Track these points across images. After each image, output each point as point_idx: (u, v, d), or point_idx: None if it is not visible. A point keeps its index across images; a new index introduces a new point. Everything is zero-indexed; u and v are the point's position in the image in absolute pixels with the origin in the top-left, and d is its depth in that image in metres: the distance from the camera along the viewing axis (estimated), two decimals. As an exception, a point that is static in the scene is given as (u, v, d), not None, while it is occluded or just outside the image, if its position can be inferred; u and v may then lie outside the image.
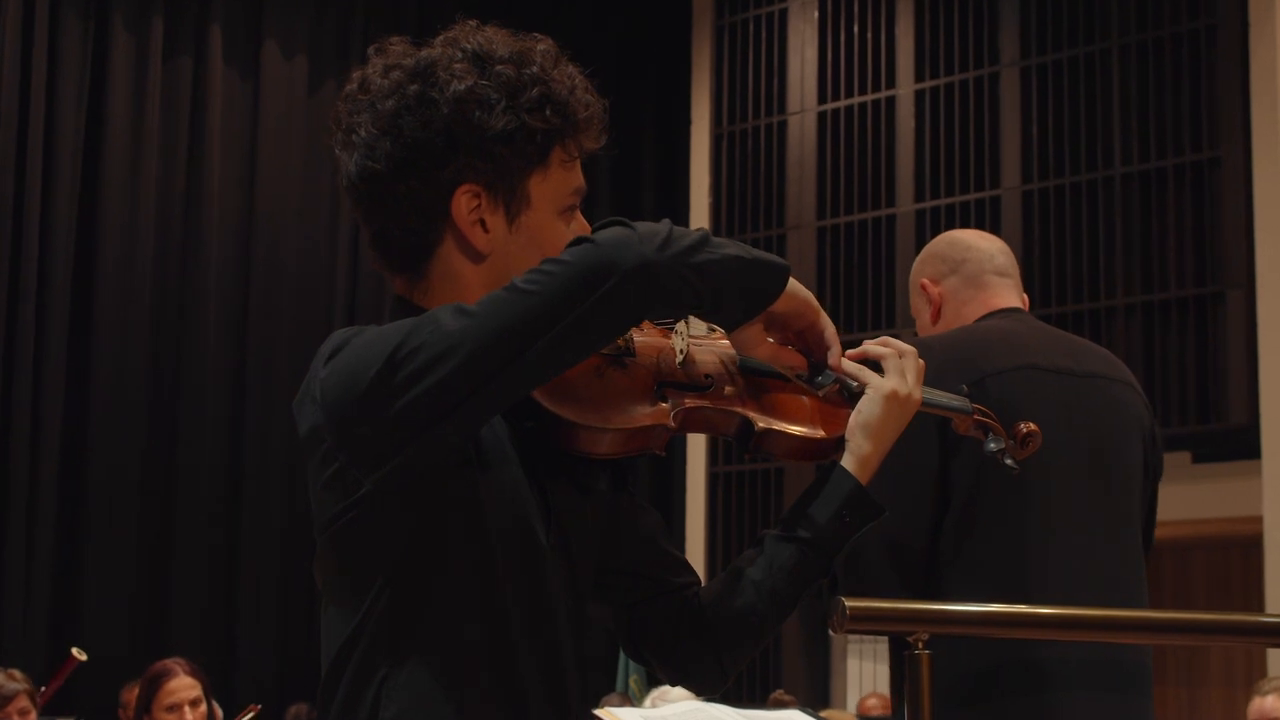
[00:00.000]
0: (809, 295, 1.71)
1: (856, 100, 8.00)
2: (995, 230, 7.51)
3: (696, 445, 8.19)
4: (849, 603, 1.89)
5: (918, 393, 1.82)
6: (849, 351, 1.85)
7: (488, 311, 1.52)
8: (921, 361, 1.85)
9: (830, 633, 2.00)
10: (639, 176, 8.76)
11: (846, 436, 1.81)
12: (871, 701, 7.06)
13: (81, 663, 5.16)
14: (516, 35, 1.74)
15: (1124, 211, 7.15)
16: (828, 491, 1.80)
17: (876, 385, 1.79)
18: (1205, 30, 7.06)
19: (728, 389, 1.78)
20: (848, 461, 1.80)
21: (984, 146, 7.58)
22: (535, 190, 1.70)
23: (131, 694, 5.33)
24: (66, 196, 6.79)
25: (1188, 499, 6.99)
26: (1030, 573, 2.42)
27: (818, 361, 1.76)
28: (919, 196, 7.74)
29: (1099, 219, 7.22)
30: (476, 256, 1.69)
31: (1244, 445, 6.85)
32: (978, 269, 2.74)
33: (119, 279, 6.91)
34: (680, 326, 1.79)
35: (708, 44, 8.59)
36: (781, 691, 6.76)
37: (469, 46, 1.69)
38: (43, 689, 5.25)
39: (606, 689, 6.59)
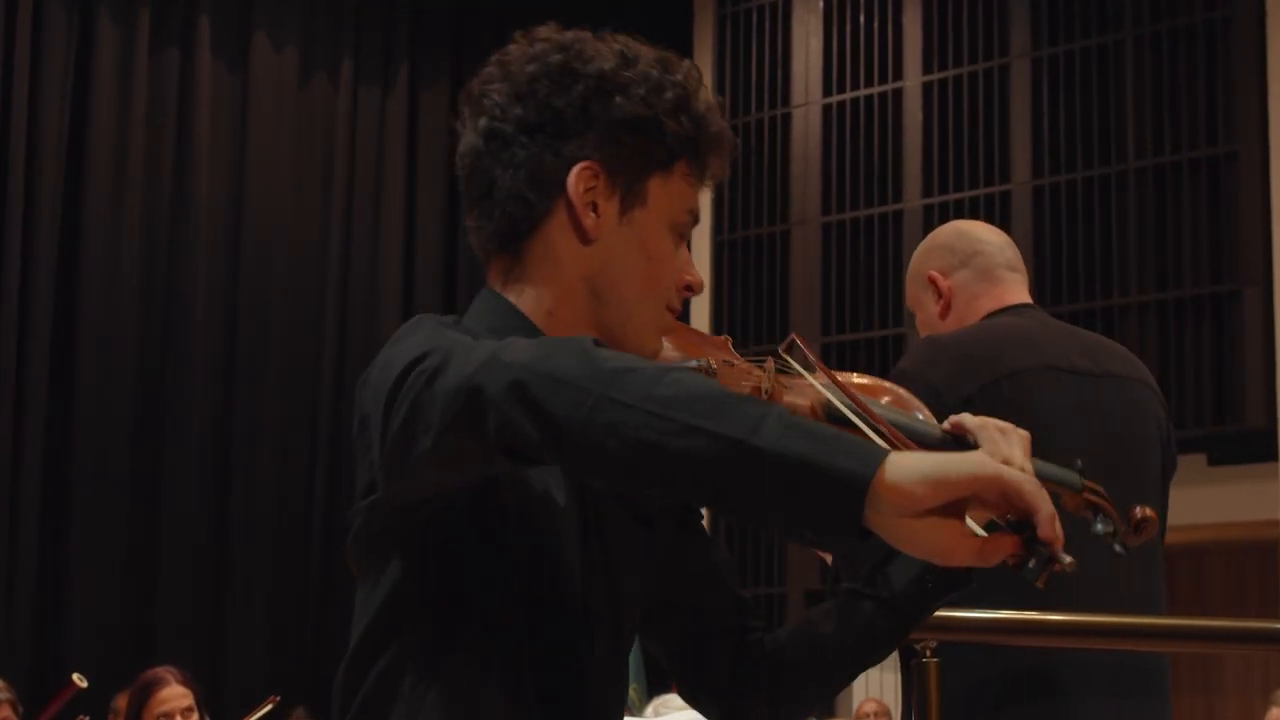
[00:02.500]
0: (974, 467, 1.29)
1: (863, 93, 8.01)
2: (1005, 226, 7.51)
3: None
4: None
5: (1028, 464, 1.58)
6: (950, 419, 1.69)
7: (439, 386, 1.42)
8: (1026, 434, 1.64)
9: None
10: (639, 171, 8.76)
11: None
12: (869, 706, 7.08)
13: (82, 689, 5.15)
14: (662, 50, 1.74)
15: (1138, 207, 7.16)
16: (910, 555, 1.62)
17: (992, 451, 1.58)
18: (1221, 21, 7.06)
19: None
20: None
21: (994, 140, 7.59)
22: (654, 191, 1.69)
23: (123, 700, 5.33)
24: (50, 191, 6.80)
25: (1203, 502, 6.98)
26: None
27: (1031, 540, 1.31)
28: (927, 192, 7.74)
29: (1112, 215, 7.22)
30: (583, 238, 1.66)
31: (1261, 447, 6.85)
32: (990, 262, 2.72)
33: (104, 276, 6.91)
34: (768, 363, 1.72)
35: (709, 34, 8.59)
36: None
37: (617, 43, 1.72)
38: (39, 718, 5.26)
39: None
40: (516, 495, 1.59)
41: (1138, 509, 1.88)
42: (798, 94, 8.22)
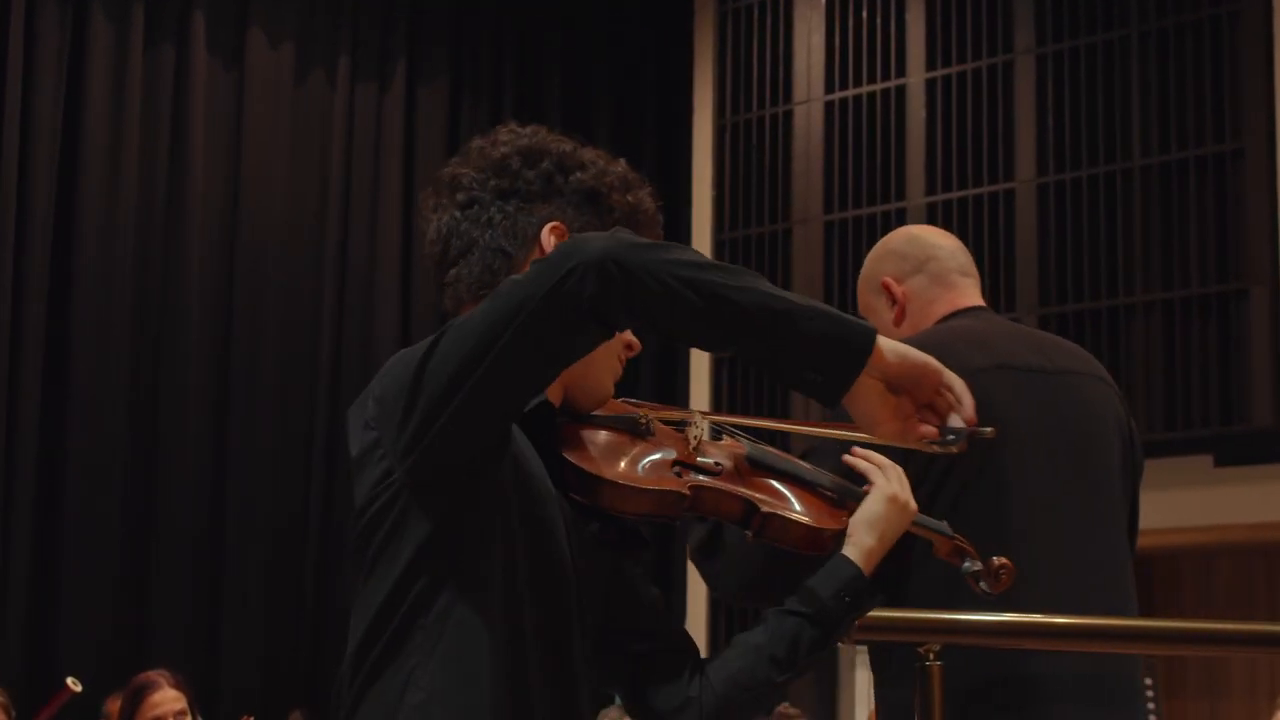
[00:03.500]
0: (926, 358, 1.74)
1: (865, 89, 8.01)
2: (1009, 225, 7.53)
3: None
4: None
5: (913, 502, 2.06)
6: (854, 450, 2.09)
7: (482, 309, 1.73)
8: (900, 470, 2.07)
9: (838, 643, 2.04)
10: (639, 169, 8.60)
11: (849, 531, 2.02)
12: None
13: (76, 694, 5.15)
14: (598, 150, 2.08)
15: (1143, 205, 7.16)
16: (829, 574, 2.01)
17: (881, 487, 2.04)
18: (1228, 16, 7.06)
19: (738, 476, 1.99)
20: (850, 551, 2.02)
21: (998, 138, 7.59)
22: None
23: (114, 704, 5.34)
24: (44, 189, 6.80)
25: (1209, 504, 6.99)
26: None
27: (947, 425, 1.76)
28: (930, 189, 7.74)
29: (1117, 213, 7.22)
30: None
31: (1268, 448, 6.85)
32: (943, 268, 2.77)
33: (98, 275, 6.91)
34: (696, 420, 2.02)
35: (710, 30, 8.59)
36: (788, 705, 6.77)
37: (566, 140, 2.04)
38: None
39: (603, 702, 6.60)
40: (519, 491, 1.81)
41: (995, 559, 2.08)
42: (799, 91, 8.22)
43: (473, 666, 1.75)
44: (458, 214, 1.97)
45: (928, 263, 2.76)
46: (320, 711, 6.88)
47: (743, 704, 1.99)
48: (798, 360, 1.70)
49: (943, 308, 2.73)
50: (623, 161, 2.07)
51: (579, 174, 1.98)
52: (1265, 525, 6.96)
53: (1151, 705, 5.49)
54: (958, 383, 1.74)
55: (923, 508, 2.14)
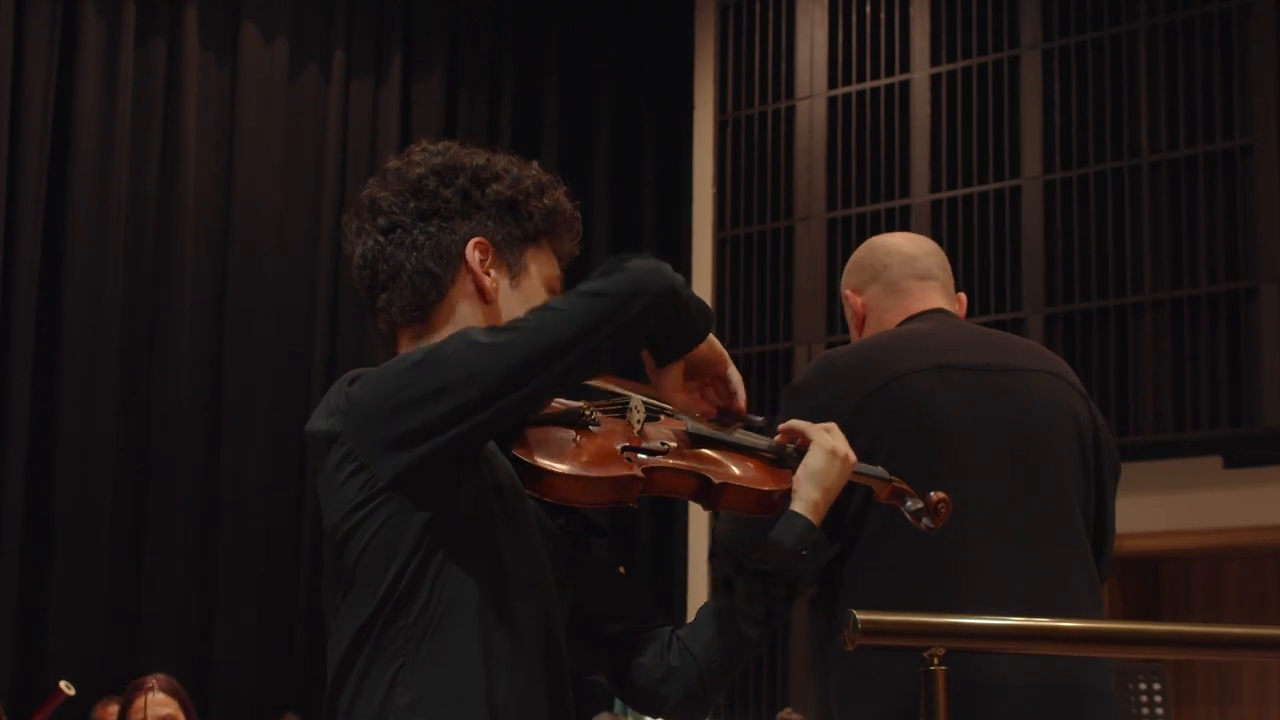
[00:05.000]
0: (721, 352, 2.04)
1: (869, 85, 8.01)
2: (1015, 222, 7.54)
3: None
4: (860, 616, 1.91)
5: (852, 454, 2.21)
6: (781, 427, 2.23)
7: (534, 327, 1.86)
8: (834, 427, 2.24)
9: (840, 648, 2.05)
10: (639, 166, 8.76)
11: (794, 487, 2.17)
12: None
13: (70, 697, 5.16)
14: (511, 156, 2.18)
15: (1151, 202, 7.16)
16: (784, 530, 2.14)
17: (820, 441, 2.18)
18: (1238, 10, 7.06)
19: (684, 453, 2.13)
20: (798, 506, 2.15)
21: (1004, 134, 7.59)
22: (531, 262, 2.10)
23: (107, 710, 5.35)
24: (34, 185, 6.79)
25: (1219, 506, 6.99)
26: (947, 576, 2.47)
27: (726, 408, 2.08)
28: (935, 186, 7.74)
29: (1125, 210, 7.22)
30: (485, 298, 2.04)
31: (1279, 449, 6.85)
32: (898, 275, 2.83)
33: (89, 272, 6.91)
34: (635, 404, 2.13)
35: (711, 25, 8.59)
36: (790, 710, 6.77)
37: (477, 152, 2.12)
38: None
39: (599, 707, 6.61)
40: (496, 493, 1.92)
41: (933, 494, 2.23)
42: (802, 86, 8.22)
43: (459, 664, 1.82)
44: (381, 239, 2.04)
45: (883, 271, 2.84)
46: (313, 716, 6.88)
47: (723, 666, 2.11)
48: (677, 337, 1.97)
49: (896, 315, 2.81)
50: (535, 164, 2.16)
51: (495, 186, 2.07)
52: (1276, 528, 6.96)
53: (1161, 712, 5.49)
54: (736, 377, 2.06)
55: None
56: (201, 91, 7.37)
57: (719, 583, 2.20)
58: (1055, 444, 2.64)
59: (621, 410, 2.14)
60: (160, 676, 4.85)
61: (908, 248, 2.86)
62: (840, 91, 8.08)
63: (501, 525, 1.89)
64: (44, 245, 6.82)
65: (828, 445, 2.18)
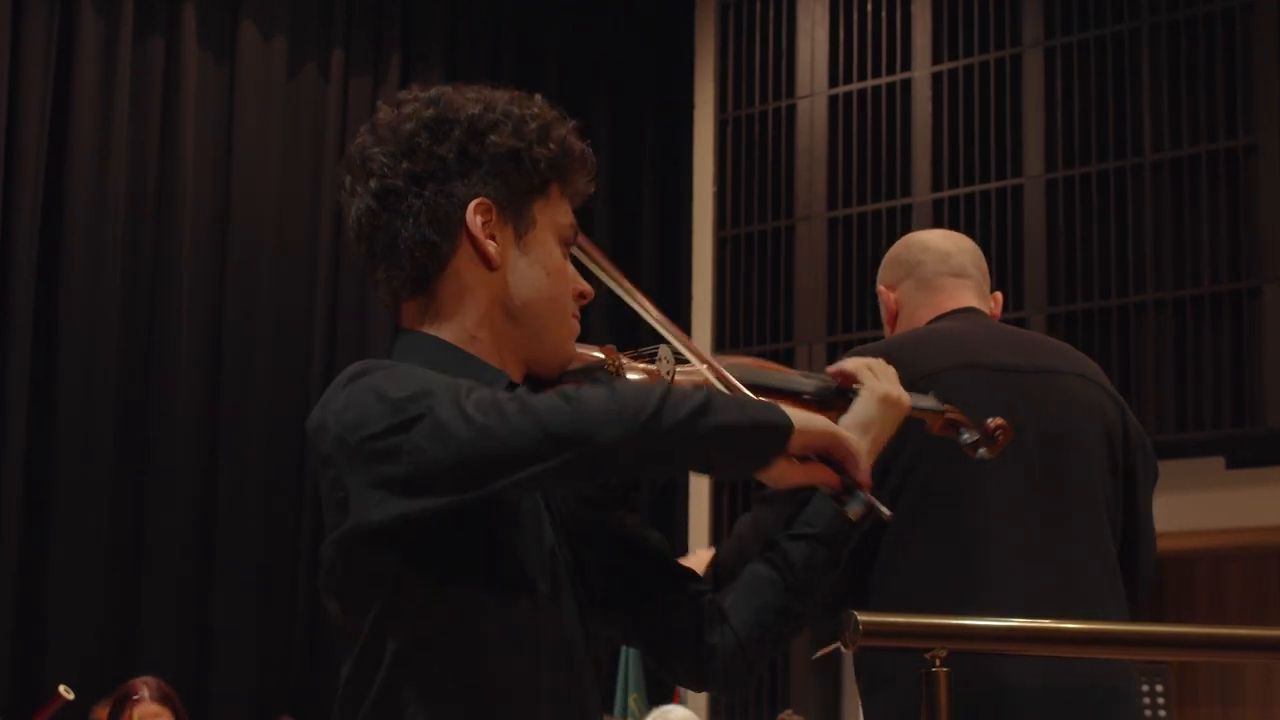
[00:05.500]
0: (824, 426, 1.84)
1: (870, 83, 8.01)
2: (1017, 221, 7.53)
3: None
4: (862, 617, 1.90)
5: (906, 396, 2.06)
6: (830, 369, 2.10)
7: (477, 433, 1.69)
8: (892, 369, 2.09)
9: (841, 649, 2.04)
10: (639, 165, 8.76)
11: None
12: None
13: (69, 701, 5.16)
14: (514, 92, 2.03)
15: (1154, 201, 7.16)
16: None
17: (871, 386, 2.03)
18: (1241, 9, 7.06)
19: None
20: None
21: (1005, 132, 7.59)
22: (539, 214, 1.95)
23: (101, 712, 5.34)
24: (31, 184, 6.79)
25: (1223, 506, 6.99)
26: (973, 574, 2.46)
27: (849, 482, 1.88)
28: (936, 185, 7.74)
29: (1127, 209, 7.22)
30: (489, 265, 1.91)
31: (1282, 450, 6.86)
32: (932, 272, 2.81)
33: (86, 272, 6.91)
34: (664, 353, 1.99)
35: (712, 23, 8.59)
36: (790, 712, 6.77)
37: (473, 92, 1.98)
38: None
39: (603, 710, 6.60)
40: (496, 514, 1.82)
41: (990, 421, 2.15)
42: (803, 85, 8.22)
43: (472, 673, 1.77)
44: (374, 204, 1.91)
45: (916, 268, 2.81)
46: (311, 718, 6.88)
47: (764, 639, 2.01)
48: (733, 463, 1.83)
49: (928, 312, 2.79)
50: (538, 100, 2.01)
51: (493, 137, 1.92)
52: (1279, 528, 6.96)
53: (1164, 714, 5.49)
54: (858, 453, 1.86)
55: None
56: (200, 90, 7.37)
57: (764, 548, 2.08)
58: (1084, 447, 2.63)
59: (651, 358, 2.00)
60: (150, 681, 4.84)
61: (943, 244, 2.85)
62: (841, 90, 8.08)
63: (498, 524, 1.81)
64: (41, 244, 6.82)
65: (879, 392, 2.03)
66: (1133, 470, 2.69)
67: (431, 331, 1.92)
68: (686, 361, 2.01)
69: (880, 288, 2.88)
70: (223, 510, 7.18)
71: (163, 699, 4.79)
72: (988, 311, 2.83)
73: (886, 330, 2.89)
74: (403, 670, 1.76)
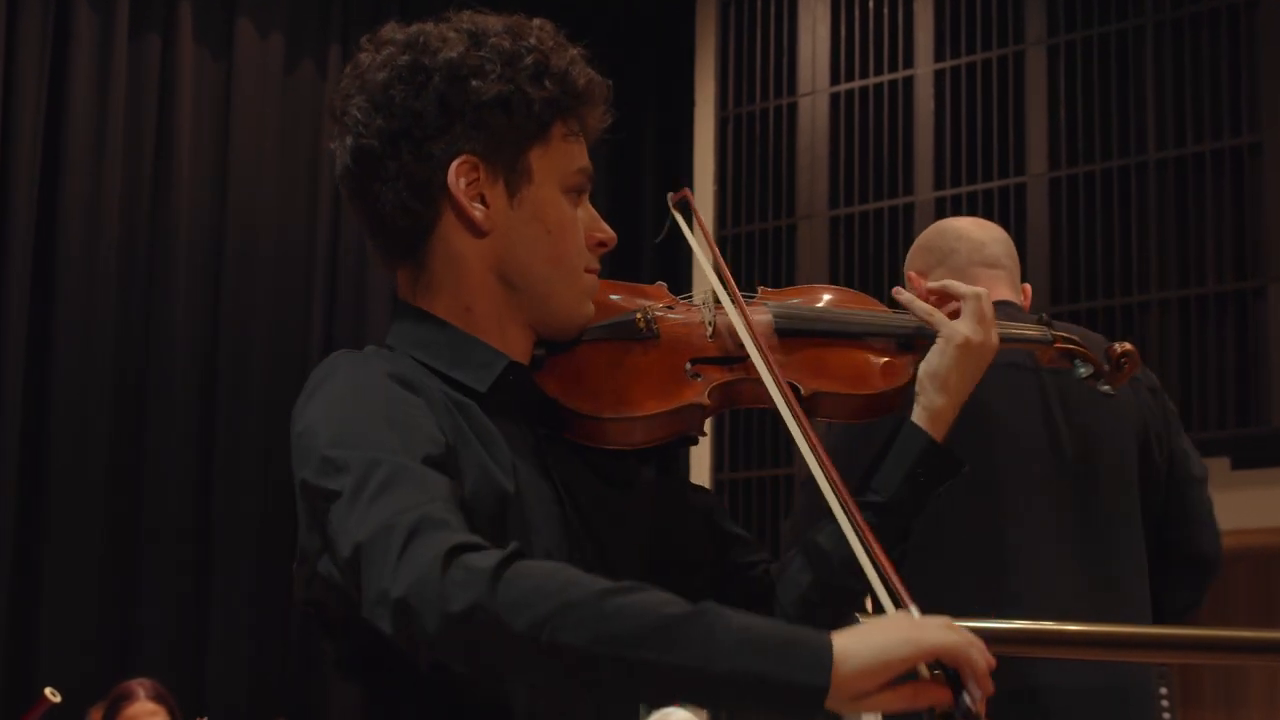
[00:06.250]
0: (898, 647, 1.40)
1: (872, 81, 8.00)
2: (1020, 220, 7.53)
3: (701, 451, 8.20)
4: (864, 619, 1.90)
5: (993, 337, 1.83)
6: (929, 286, 1.87)
7: (359, 551, 1.48)
8: (982, 292, 1.85)
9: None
10: (638, 163, 8.75)
11: (916, 390, 1.82)
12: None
13: (55, 704, 5.16)
14: (511, 16, 1.78)
15: (1158, 200, 7.15)
16: (898, 449, 1.82)
17: (948, 333, 1.82)
18: (1246, 6, 7.06)
19: (768, 353, 1.75)
20: (918, 415, 1.82)
21: (1008, 130, 7.58)
22: (537, 164, 1.74)
23: (98, 713, 5.35)
24: (26, 182, 6.79)
25: (1227, 507, 6.92)
26: (1002, 577, 2.45)
27: (966, 710, 1.45)
28: (939, 184, 7.74)
29: (1131, 208, 7.22)
30: (477, 232, 1.72)
31: (1287, 450, 6.85)
32: (965, 261, 2.79)
33: (81, 272, 6.90)
34: (707, 296, 1.82)
35: (712, 20, 8.59)
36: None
37: (463, 24, 1.76)
38: None
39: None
40: (489, 503, 1.64)
41: (1115, 345, 1.96)
42: (804, 82, 8.22)
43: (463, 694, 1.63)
44: (351, 165, 1.74)
45: (949, 256, 2.78)
46: (310, 721, 6.88)
47: (814, 620, 1.71)
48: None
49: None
50: (538, 24, 1.79)
51: (476, 83, 1.70)
52: (1284, 530, 6.96)
53: (1167, 716, 5.48)
54: (960, 647, 1.44)
55: None
56: (196, 87, 7.37)
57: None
58: (1117, 447, 2.62)
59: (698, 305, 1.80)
60: (145, 682, 4.85)
61: (976, 233, 2.83)
62: (843, 88, 8.08)
63: (499, 521, 1.64)
64: (37, 242, 6.81)
65: (958, 338, 1.80)
66: (1173, 462, 2.68)
67: (424, 305, 1.77)
68: (723, 308, 1.79)
69: (910, 274, 2.85)
70: (218, 511, 7.17)
71: (157, 698, 4.79)
72: (1019, 303, 2.81)
73: None
74: (385, 673, 1.66)
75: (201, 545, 7.13)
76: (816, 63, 8.18)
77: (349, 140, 1.74)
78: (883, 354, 1.82)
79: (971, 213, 7.54)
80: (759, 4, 8.40)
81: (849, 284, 7.75)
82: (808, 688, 1.36)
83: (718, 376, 1.75)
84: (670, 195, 1.87)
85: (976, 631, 2.08)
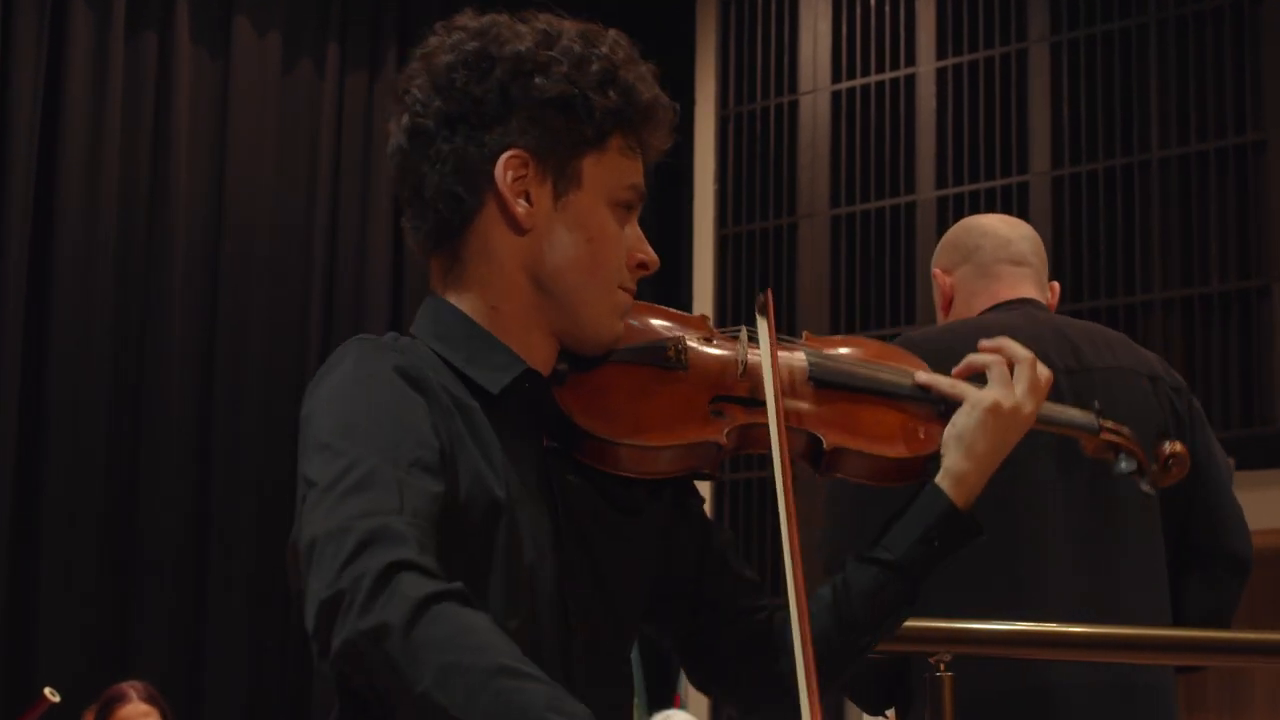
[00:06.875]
0: None
1: (873, 79, 8.00)
2: (1023, 219, 7.50)
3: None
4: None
5: (1029, 404, 1.78)
6: (956, 368, 1.82)
7: (313, 547, 1.47)
8: (1046, 372, 1.80)
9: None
10: (639, 161, 8.75)
11: (941, 451, 1.78)
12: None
13: (54, 704, 5.17)
14: (588, 23, 1.79)
15: (1162, 199, 7.15)
16: (916, 511, 1.78)
17: (976, 398, 1.77)
18: (1250, 3, 7.06)
19: (798, 401, 1.73)
20: (941, 478, 1.78)
21: (1011, 129, 7.59)
22: (588, 171, 1.73)
23: (91, 715, 5.35)
24: (22, 181, 6.79)
25: (1231, 509, 6.98)
26: (1021, 586, 2.45)
27: None
28: (940, 183, 7.74)
29: (1134, 207, 7.22)
30: (518, 229, 1.70)
31: (1291, 451, 6.85)
32: (990, 258, 2.78)
33: (78, 271, 6.90)
34: (742, 334, 1.77)
35: (712, 18, 8.59)
36: None
37: (537, 23, 1.76)
38: None
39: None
40: (480, 510, 1.62)
41: (1166, 444, 1.90)
42: (805, 80, 8.22)
43: None
44: (405, 143, 1.76)
45: (974, 253, 2.77)
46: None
47: (824, 682, 1.75)
48: None
49: (984, 300, 2.74)
50: (612, 36, 1.79)
51: (540, 79, 1.70)
52: (1288, 531, 6.95)
53: (1170, 718, 5.48)
54: None
55: None
56: (193, 86, 7.37)
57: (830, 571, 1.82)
58: None
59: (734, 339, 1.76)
60: (138, 684, 4.85)
61: (1003, 230, 2.83)
62: (844, 86, 8.08)
63: (489, 527, 1.62)
64: (33, 240, 6.81)
65: (987, 401, 1.75)
66: (1198, 464, 2.67)
67: (452, 298, 1.75)
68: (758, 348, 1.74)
69: (935, 270, 2.83)
70: (216, 511, 7.17)
71: (150, 700, 4.80)
72: (1045, 301, 2.80)
73: (939, 315, 2.84)
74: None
75: (198, 547, 7.13)
76: (818, 60, 8.19)
77: (405, 119, 1.75)
78: (917, 418, 1.78)
79: (974, 212, 7.54)
80: (759, 2, 8.41)
81: (850, 282, 7.79)
82: None
83: (740, 418, 1.71)
84: (759, 297, 1.80)
85: (978, 633, 2.09)
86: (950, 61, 7.79)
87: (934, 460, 1.76)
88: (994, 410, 1.75)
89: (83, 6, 7.05)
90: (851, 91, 8.06)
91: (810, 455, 1.74)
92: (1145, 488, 1.91)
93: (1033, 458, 2.49)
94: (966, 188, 7.66)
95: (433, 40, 1.79)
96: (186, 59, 7.34)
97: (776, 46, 8.33)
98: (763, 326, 1.75)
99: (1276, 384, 6.79)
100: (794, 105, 8.24)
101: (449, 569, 1.53)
